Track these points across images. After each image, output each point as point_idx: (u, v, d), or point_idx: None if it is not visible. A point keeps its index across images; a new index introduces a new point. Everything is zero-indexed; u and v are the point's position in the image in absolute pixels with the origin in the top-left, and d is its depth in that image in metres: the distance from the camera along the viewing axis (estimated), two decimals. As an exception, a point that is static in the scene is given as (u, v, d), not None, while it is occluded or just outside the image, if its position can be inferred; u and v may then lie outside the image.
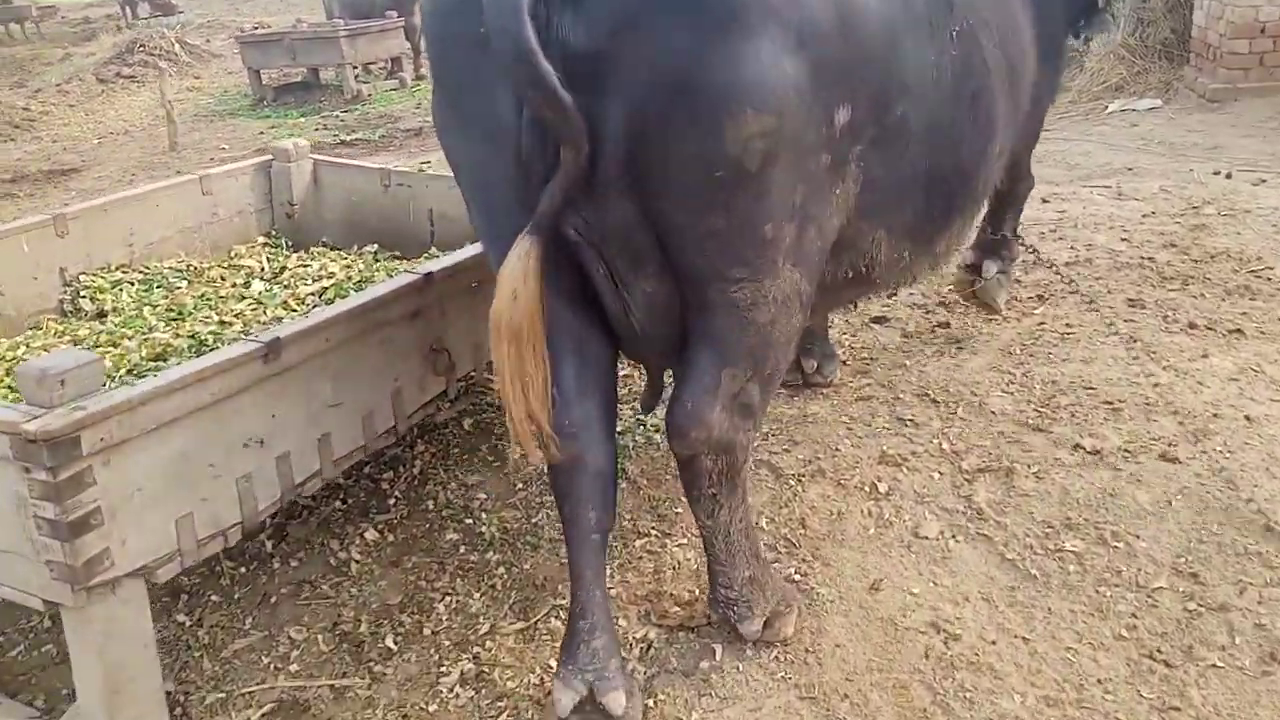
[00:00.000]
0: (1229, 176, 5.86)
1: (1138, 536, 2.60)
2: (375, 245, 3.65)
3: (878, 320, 4.06)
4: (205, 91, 13.94)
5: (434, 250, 3.50)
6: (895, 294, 4.09)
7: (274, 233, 3.77)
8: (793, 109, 1.87)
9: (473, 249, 2.77)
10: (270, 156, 3.77)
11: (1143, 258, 4.51)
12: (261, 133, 10.66)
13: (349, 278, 3.25)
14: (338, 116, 11.06)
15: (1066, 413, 3.16)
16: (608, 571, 2.40)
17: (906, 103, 2.19)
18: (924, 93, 2.25)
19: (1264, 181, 5.71)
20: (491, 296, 1.90)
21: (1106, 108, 8.04)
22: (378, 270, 3.35)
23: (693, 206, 1.92)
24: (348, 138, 9.71)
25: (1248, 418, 3.04)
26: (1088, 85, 8.50)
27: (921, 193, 2.40)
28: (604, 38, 1.80)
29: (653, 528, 2.79)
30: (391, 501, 2.96)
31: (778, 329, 2.11)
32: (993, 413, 3.23)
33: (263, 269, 3.38)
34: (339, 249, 3.71)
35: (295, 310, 3.07)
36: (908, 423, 3.21)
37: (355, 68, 11.94)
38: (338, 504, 2.97)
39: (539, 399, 1.98)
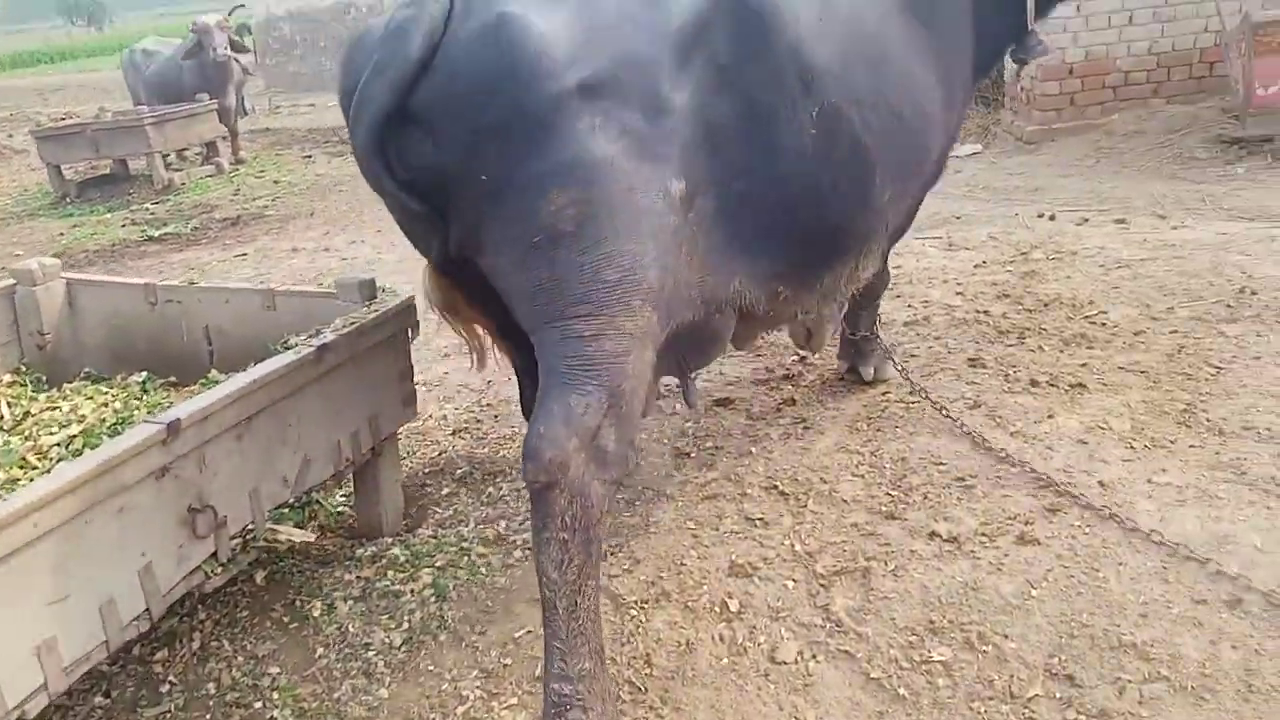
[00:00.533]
0: (1053, 218, 5.97)
1: (1006, 636, 2.39)
2: (144, 373, 3.19)
3: (721, 403, 3.82)
4: (3, 191, 12.90)
5: (214, 374, 3.07)
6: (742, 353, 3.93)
7: (23, 368, 3.25)
8: (608, 181, 2.11)
9: (240, 379, 2.37)
10: (13, 280, 3.26)
11: (978, 311, 4.45)
12: (61, 234, 9.81)
13: (103, 420, 2.78)
14: (147, 209, 10.32)
15: (919, 494, 2.96)
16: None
17: (764, 174, 2.42)
18: (782, 165, 2.45)
19: (1086, 221, 5.83)
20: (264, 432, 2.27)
21: (930, 155, 8.20)
22: (142, 406, 2.89)
23: (528, 258, 2.16)
24: (156, 232, 9.01)
25: (1101, 483, 2.91)
26: (911, 133, 8.68)
27: (790, 243, 2.58)
28: (458, 157, 2.15)
29: (477, 688, 2.41)
30: (165, 689, 2.48)
31: (631, 363, 2.18)
32: (844, 501, 3.00)
33: (1, 416, 2.87)
34: (103, 380, 3.23)
35: (38, 467, 2.59)
36: (757, 522, 2.94)
37: (166, 156, 11.24)
38: (99, 699, 2.47)
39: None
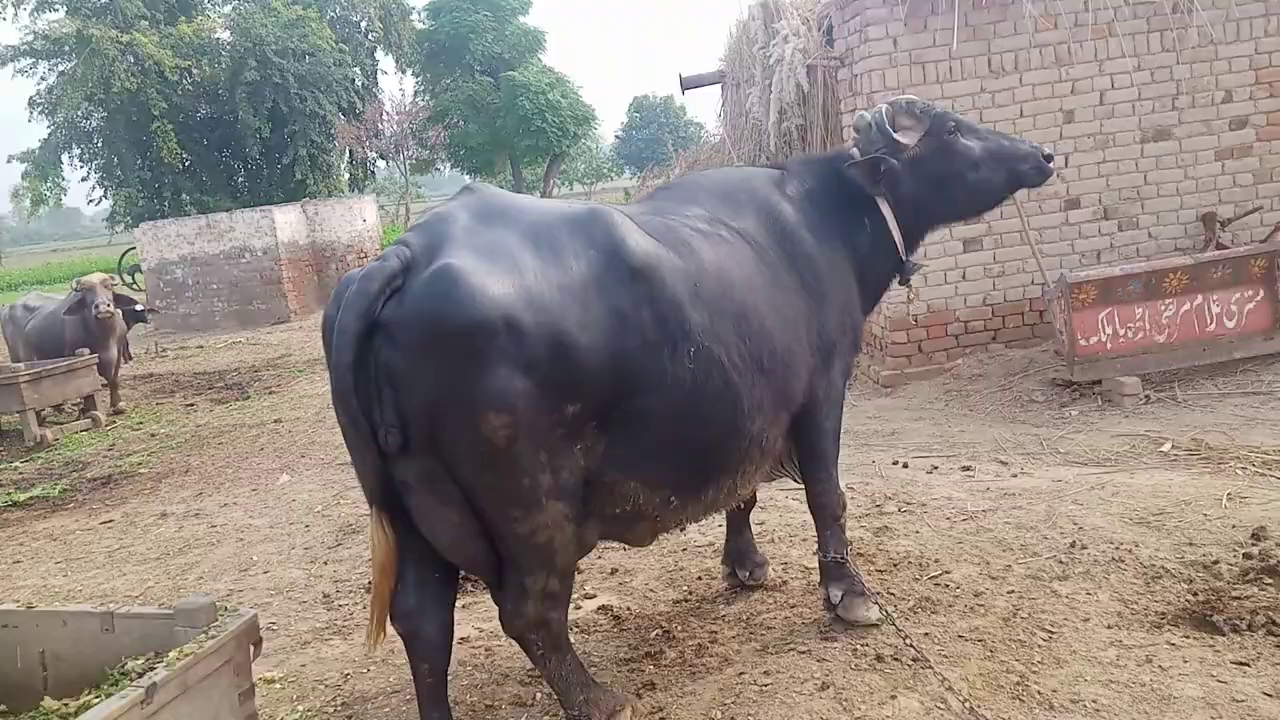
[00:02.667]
0: (906, 466, 6.32)
1: None
2: (-32, 707, 3.05)
3: (579, 690, 3.82)
4: None
5: (46, 702, 2.96)
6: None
7: None
8: (524, 409, 2.80)
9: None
10: None
11: (832, 575, 4.61)
12: (-80, 497, 9.41)
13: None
14: (16, 468, 9.99)
15: (761, 797, 2.99)
16: None
17: (639, 398, 3.06)
18: (659, 391, 3.10)
19: (936, 469, 6.18)
20: None
21: (798, 397, 8.64)
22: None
23: (473, 469, 2.89)
24: (22, 496, 8.71)
25: (936, 774, 2.99)
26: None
27: (672, 457, 3.25)
28: (407, 374, 2.80)
29: None
30: None
31: (557, 542, 3.05)
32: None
33: None
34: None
35: None
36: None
37: (40, 411, 11.02)
38: None
39: (383, 606, 3.12)
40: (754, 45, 10.13)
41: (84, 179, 30.62)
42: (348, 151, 32.78)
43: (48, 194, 30.62)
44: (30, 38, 28.59)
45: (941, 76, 7.93)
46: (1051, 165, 4.24)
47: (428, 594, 3.16)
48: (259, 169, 30.88)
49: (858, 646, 3.84)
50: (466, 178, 38.21)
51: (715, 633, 4.16)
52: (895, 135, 4.03)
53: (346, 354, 2.77)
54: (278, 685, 4.20)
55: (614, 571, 5.04)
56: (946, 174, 4.11)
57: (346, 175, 33.20)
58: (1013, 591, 4.23)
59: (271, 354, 16.38)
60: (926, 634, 3.90)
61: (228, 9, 31.05)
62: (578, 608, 4.61)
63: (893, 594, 4.32)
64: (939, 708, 3.36)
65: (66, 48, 27.98)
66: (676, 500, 3.38)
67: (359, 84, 31.42)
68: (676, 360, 3.13)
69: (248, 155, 29.78)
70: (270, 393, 12.75)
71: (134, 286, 24.88)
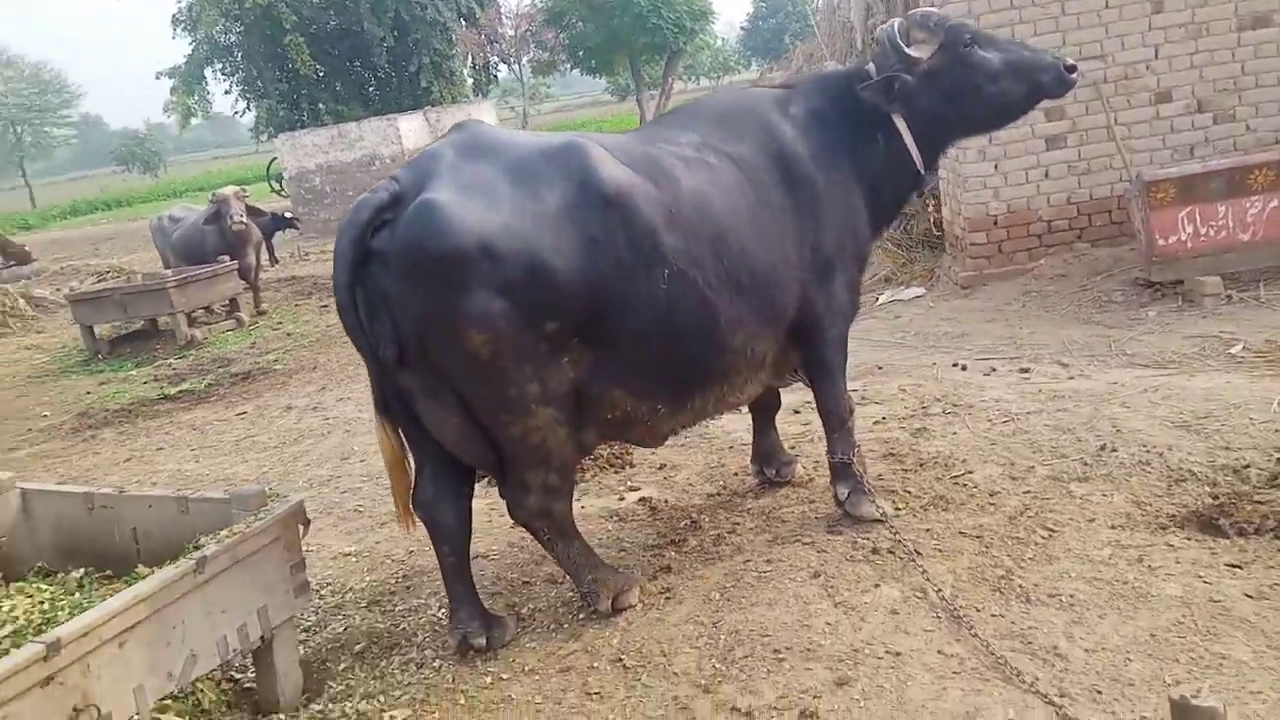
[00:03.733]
0: (964, 368, 6.39)
1: (774, 804, 2.73)
2: (83, 570, 3.70)
3: (604, 572, 4.23)
4: (43, 348, 13.84)
5: (140, 569, 3.56)
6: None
7: (-20, 568, 3.79)
8: (503, 327, 3.16)
9: (121, 597, 2.87)
10: (-29, 489, 3.84)
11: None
12: (88, 392, 10.59)
13: (30, 622, 3.27)
14: (170, 364, 11.11)
15: (738, 667, 3.34)
16: None
17: (618, 316, 3.37)
18: (636, 310, 3.39)
19: (994, 371, 6.24)
20: (147, 637, 2.92)
21: (877, 299, 8.71)
22: (66, 606, 3.39)
23: (464, 380, 3.29)
24: (173, 390, 9.74)
25: (895, 654, 3.27)
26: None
27: (655, 369, 3.57)
28: (398, 296, 3.19)
29: None
30: None
31: (550, 443, 3.44)
32: (675, 674, 3.37)
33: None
34: (51, 575, 3.74)
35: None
36: (594, 696, 3.33)
37: (190, 314, 12.10)
38: None
39: (402, 497, 3.60)
40: (847, -64, 9.86)
41: (226, 92, 32.24)
42: (469, 57, 33.22)
43: (195, 107, 32.43)
44: (172, -44, 29.84)
45: (1024, -34, 7.60)
46: (1074, 76, 4.17)
47: (443, 485, 3.59)
48: (387, 78, 31.78)
49: (858, 540, 4.10)
50: (589, 78, 38.22)
51: (736, 524, 4.49)
52: (908, 50, 4.06)
53: (343, 276, 3.19)
54: (353, 559, 4.79)
55: (661, 467, 5.39)
56: (963, 87, 4.12)
57: (470, 81, 33.75)
58: (1029, 492, 4.38)
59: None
60: (929, 530, 4.12)
61: (354, -81, 31.53)
62: (621, 499, 5.01)
63: (909, 491, 4.53)
64: (917, 597, 3.61)
65: (204, -35, 29.16)
66: (664, 408, 3.70)
67: (478, -12, 31.65)
68: (652, 281, 3.39)
69: (376, 65, 30.68)
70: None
71: (281, 193, 26.32)
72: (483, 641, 3.66)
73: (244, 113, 33.02)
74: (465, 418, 3.38)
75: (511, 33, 36.26)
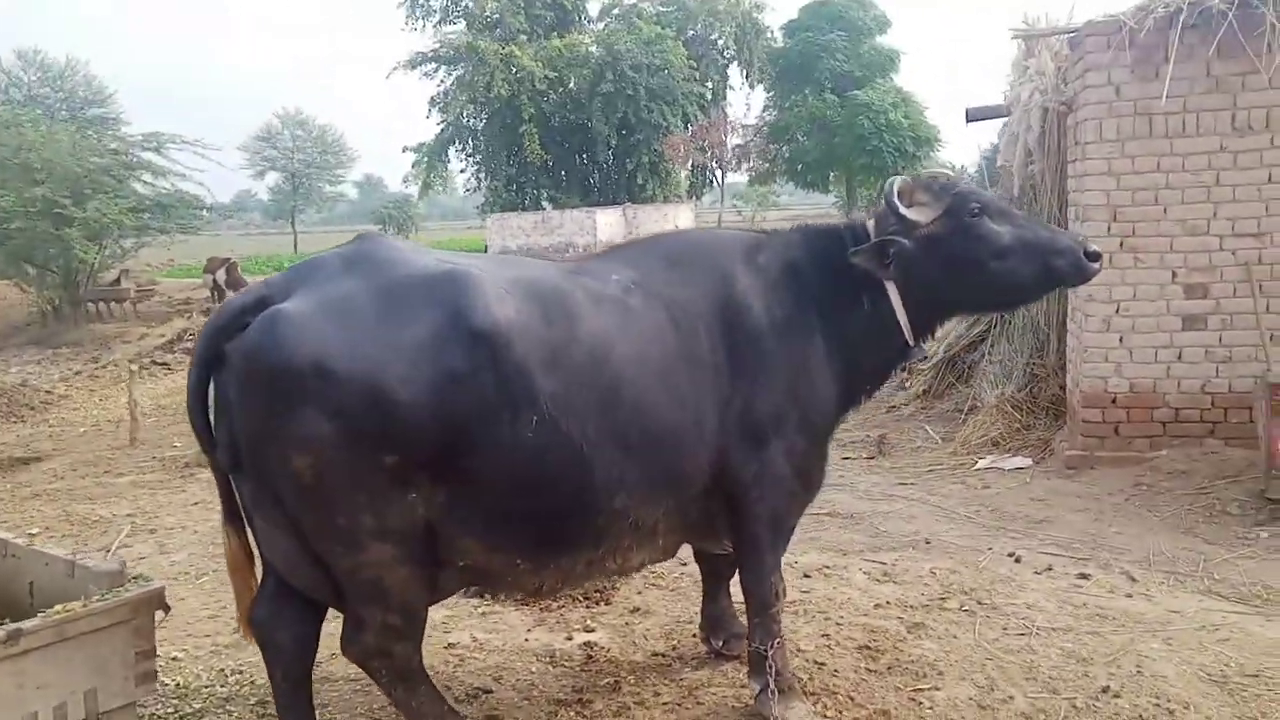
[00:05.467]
0: (1018, 560, 5.66)
1: None
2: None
3: None
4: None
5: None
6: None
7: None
8: (330, 452, 2.94)
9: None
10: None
11: (815, 664, 4.30)
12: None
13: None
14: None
15: None
16: None
17: (474, 458, 3.07)
18: (496, 455, 3.09)
19: (1049, 570, 5.49)
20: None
21: (976, 464, 7.95)
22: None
23: (292, 502, 3.08)
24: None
25: None
26: (969, 436, 8.47)
27: (512, 521, 3.23)
28: (236, 403, 3.06)
29: None
30: None
31: (387, 581, 3.16)
32: None
33: None
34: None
35: None
36: None
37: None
38: None
39: (244, 608, 3.39)
40: (1008, 81, 9.37)
41: (462, 170, 34.80)
42: (689, 161, 34.23)
43: (435, 181, 35.14)
44: (437, 45, 32.86)
45: (1172, 131, 6.86)
46: (1096, 265, 3.70)
47: (283, 604, 3.35)
48: (608, 172, 33.27)
49: (757, 744, 3.61)
50: (801, 192, 38.43)
51: (653, 695, 4.08)
52: (906, 212, 3.68)
53: (192, 375, 3.14)
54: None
55: (634, 610, 5.04)
56: (966, 260, 3.70)
57: (687, 183, 34.72)
58: (987, 729, 3.73)
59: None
60: (840, 751, 3.57)
61: (599, 26, 33.60)
62: (569, 638, 4.70)
63: (851, 698, 3.96)
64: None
65: (460, 56, 31.84)
66: (525, 565, 3.38)
67: (706, 98, 32.72)
68: (517, 427, 3.09)
69: (599, 159, 32.20)
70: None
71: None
72: None
73: (475, 190, 35.40)
74: (297, 540, 3.16)
75: (739, 141, 37.08)
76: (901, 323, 3.77)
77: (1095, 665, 4.23)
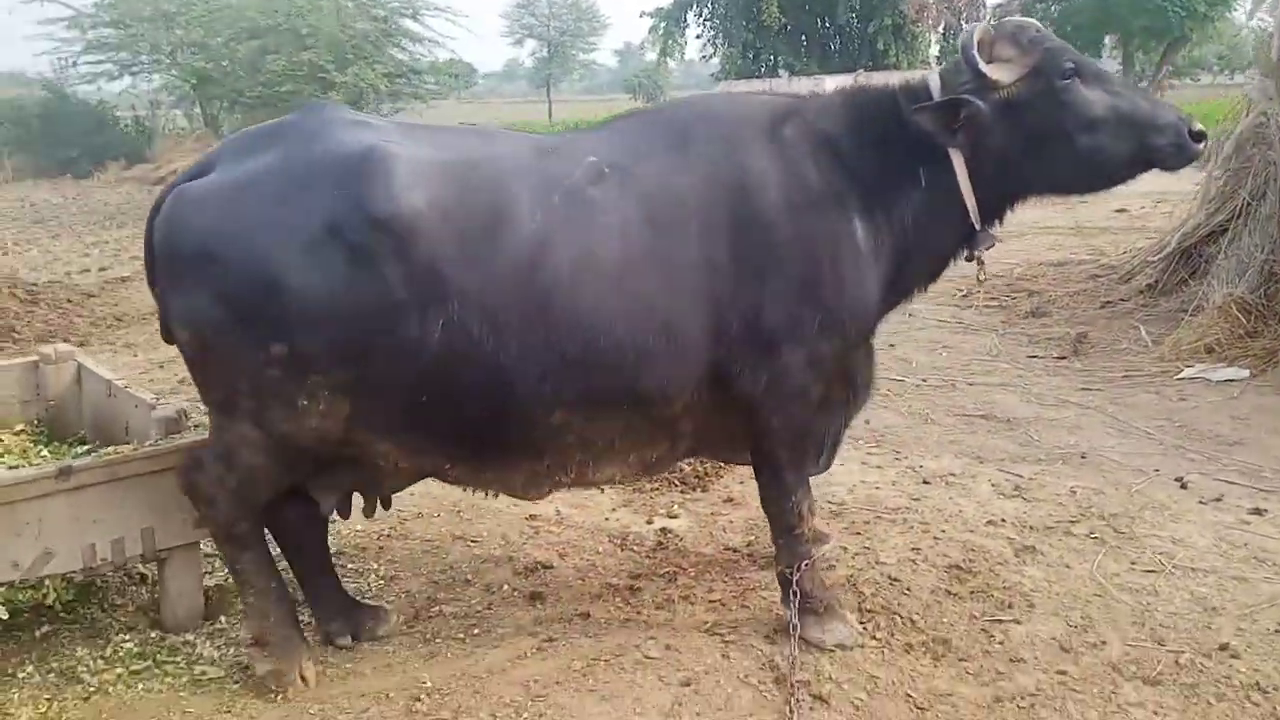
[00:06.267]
0: (1184, 486, 4.91)
1: None
2: (89, 444, 4.15)
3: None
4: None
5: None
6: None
7: (35, 423, 4.41)
8: (212, 334, 2.92)
9: None
10: (38, 358, 4.46)
11: (890, 579, 3.93)
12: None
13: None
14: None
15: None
16: None
17: (381, 356, 2.87)
18: (404, 355, 2.86)
19: (1218, 500, 4.72)
20: None
21: (1181, 371, 6.94)
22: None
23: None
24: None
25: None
26: (1181, 340, 7.39)
27: (431, 428, 3.02)
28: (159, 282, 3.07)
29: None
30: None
31: (243, 456, 3.07)
32: (445, 731, 3.02)
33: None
34: (84, 445, 4.23)
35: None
36: None
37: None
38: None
39: None
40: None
41: (698, 36, 33.89)
42: (941, 23, 31.51)
43: (672, 48, 34.49)
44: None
45: None
46: (1200, 146, 3.04)
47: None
48: (849, 37, 31.29)
49: (770, 661, 3.34)
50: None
51: (709, 591, 3.89)
52: (985, 69, 3.07)
53: (147, 247, 3.13)
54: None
55: (727, 500, 4.82)
56: (1049, 130, 3.11)
57: (936, 48, 32.05)
58: (1063, 674, 3.28)
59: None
60: (875, 683, 3.23)
61: None
62: (650, 521, 4.56)
63: (912, 621, 3.59)
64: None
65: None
66: (457, 470, 3.22)
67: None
68: (425, 327, 2.85)
69: (839, 22, 30.30)
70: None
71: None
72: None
73: (710, 57, 34.48)
74: None
75: (999, 1, 33.65)
76: (967, 201, 3.21)
77: (1223, 617, 3.60)
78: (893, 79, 3.54)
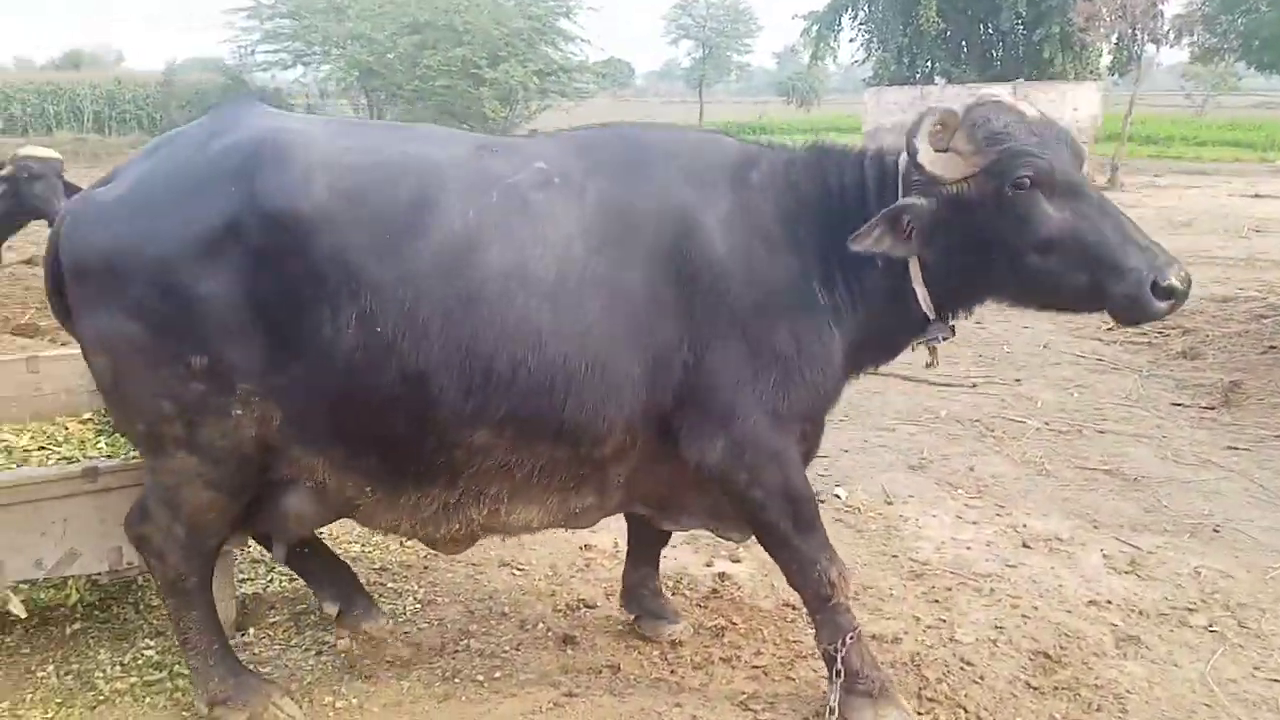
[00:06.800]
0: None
1: None
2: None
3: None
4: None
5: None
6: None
7: (101, 412, 4.41)
8: (126, 351, 2.71)
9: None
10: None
11: (963, 664, 3.47)
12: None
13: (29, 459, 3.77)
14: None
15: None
16: None
17: (300, 361, 2.68)
18: (320, 358, 2.66)
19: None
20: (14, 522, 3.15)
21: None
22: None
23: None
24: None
25: None
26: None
27: (356, 440, 2.80)
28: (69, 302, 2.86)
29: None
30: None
31: (185, 494, 2.86)
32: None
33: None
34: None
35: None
36: None
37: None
38: None
39: None
40: None
41: (851, 39, 32.94)
42: (1115, 34, 29.54)
43: (823, 51, 33.66)
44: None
45: None
46: (1162, 305, 2.57)
47: None
48: (1013, 44, 29.77)
49: (816, 747, 2.97)
50: (1261, 75, 31.86)
51: (756, 654, 3.55)
52: (924, 162, 2.65)
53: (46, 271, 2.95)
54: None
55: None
56: (994, 240, 2.71)
57: (1108, 58, 30.10)
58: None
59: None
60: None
61: None
62: (709, 564, 4.24)
63: (981, 716, 3.14)
64: None
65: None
66: (375, 493, 2.91)
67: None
68: (338, 323, 2.64)
69: (1003, 29, 28.86)
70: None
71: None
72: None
73: (863, 62, 33.47)
74: None
75: (1179, 10, 31.36)
76: (919, 294, 2.86)
77: None
78: (879, 143, 3.14)
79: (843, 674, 3.00)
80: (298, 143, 2.73)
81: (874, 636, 3.61)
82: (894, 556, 4.37)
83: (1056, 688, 3.34)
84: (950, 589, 4.04)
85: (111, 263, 2.68)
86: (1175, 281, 2.56)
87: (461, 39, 29.66)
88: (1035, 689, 3.33)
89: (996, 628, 3.72)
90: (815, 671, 3.39)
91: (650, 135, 3.13)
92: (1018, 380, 7.15)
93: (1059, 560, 4.34)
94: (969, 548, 4.46)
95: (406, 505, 2.94)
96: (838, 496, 5.04)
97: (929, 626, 3.73)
